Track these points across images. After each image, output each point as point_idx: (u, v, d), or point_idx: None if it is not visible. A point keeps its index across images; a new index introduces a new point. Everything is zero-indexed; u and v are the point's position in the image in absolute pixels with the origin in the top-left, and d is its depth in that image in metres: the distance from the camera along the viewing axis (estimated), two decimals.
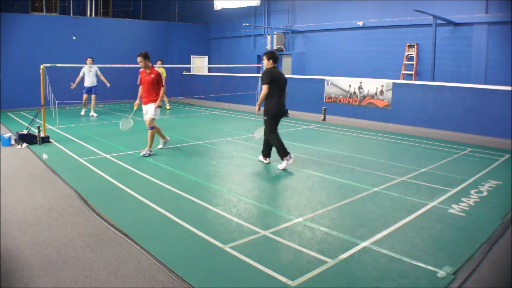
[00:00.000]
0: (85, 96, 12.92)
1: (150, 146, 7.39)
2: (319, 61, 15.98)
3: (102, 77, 12.87)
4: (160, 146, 7.94)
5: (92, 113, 13.06)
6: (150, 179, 5.87)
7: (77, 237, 3.88)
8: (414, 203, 4.91)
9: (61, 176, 5.95)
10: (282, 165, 6.51)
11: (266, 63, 6.62)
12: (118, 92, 15.52)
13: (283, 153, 6.50)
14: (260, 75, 15.15)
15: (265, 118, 6.60)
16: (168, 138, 8.10)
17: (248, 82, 15.27)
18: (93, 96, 12.90)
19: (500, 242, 3.89)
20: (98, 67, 12.87)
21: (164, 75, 14.57)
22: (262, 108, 6.68)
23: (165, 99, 14.77)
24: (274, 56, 6.57)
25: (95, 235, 3.93)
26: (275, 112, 6.50)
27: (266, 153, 6.91)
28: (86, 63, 12.71)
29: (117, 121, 12.10)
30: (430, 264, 3.38)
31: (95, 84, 12.82)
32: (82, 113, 13.19)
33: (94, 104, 13.16)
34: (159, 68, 14.32)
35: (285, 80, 6.64)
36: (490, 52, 11.35)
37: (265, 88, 6.38)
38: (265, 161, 6.93)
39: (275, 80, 6.43)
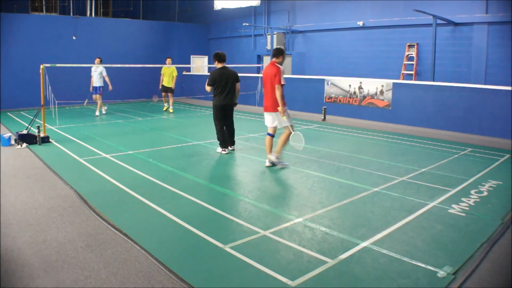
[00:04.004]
0: (93, 96, 13.01)
1: (278, 151, 6.57)
2: (319, 61, 15.97)
3: (106, 79, 12.91)
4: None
5: (96, 112, 13.20)
6: (150, 179, 5.87)
7: (77, 237, 3.88)
8: (414, 203, 4.91)
9: (61, 176, 5.95)
10: (218, 149, 7.78)
11: (216, 64, 7.72)
12: (118, 92, 15.49)
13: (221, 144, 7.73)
14: (260, 75, 15.29)
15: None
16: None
17: (248, 82, 15.24)
18: (97, 96, 12.96)
19: (500, 242, 3.89)
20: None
21: (175, 74, 13.90)
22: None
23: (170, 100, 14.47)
24: (221, 58, 7.64)
25: (95, 235, 3.93)
26: (217, 108, 7.66)
27: (230, 142, 7.90)
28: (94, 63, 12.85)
29: (117, 121, 12.14)
30: (430, 264, 3.38)
31: (101, 84, 12.85)
32: (96, 113, 13.27)
33: (100, 104, 13.24)
34: (169, 67, 13.94)
35: (231, 80, 7.61)
36: (490, 52, 11.34)
37: (208, 88, 7.63)
38: (230, 148, 7.88)
39: (219, 81, 7.51)
